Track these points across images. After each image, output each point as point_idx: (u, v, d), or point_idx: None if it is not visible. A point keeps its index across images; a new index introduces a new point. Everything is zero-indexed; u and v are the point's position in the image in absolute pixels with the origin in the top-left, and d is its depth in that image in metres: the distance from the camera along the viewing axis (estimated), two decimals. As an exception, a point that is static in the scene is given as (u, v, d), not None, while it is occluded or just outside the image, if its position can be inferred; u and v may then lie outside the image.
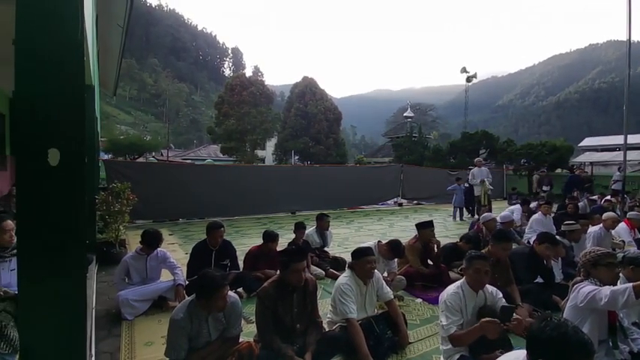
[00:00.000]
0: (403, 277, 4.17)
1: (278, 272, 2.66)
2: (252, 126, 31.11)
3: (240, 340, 2.42)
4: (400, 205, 14.20)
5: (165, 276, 3.89)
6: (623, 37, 10.28)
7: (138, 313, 3.42)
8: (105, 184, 7.95)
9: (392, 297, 3.06)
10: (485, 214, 6.12)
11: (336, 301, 2.77)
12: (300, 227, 4.87)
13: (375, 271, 2.99)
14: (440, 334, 2.58)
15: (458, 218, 10.64)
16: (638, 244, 5.39)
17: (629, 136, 10.72)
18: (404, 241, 4.39)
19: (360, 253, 2.90)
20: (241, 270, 4.22)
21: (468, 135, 24.66)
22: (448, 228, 9.26)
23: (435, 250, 4.70)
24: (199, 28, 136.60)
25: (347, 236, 7.78)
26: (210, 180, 9.96)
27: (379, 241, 4.14)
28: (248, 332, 2.93)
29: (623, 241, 5.66)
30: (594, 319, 2.42)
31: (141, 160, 21.85)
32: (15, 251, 2.65)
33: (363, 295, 2.90)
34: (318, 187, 11.79)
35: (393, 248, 3.98)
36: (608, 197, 9.66)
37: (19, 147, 1.13)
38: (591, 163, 19.70)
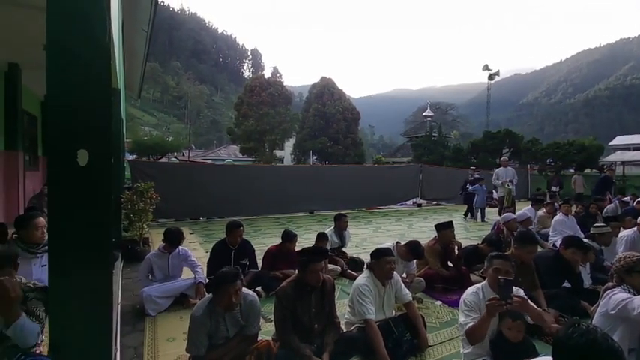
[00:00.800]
0: (422, 279, 4.11)
1: (296, 272, 2.67)
2: (270, 126, 31.47)
3: (259, 338, 2.45)
4: (419, 205, 13.99)
5: (187, 274, 3.98)
6: None
7: (161, 309, 3.52)
8: (130, 184, 8.21)
9: (410, 299, 3.02)
10: (506, 214, 5.97)
11: (355, 302, 2.76)
12: (322, 238, 4.81)
13: (394, 272, 2.95)
14: (460, 337, 2.52)
15: (479, 219, 10.39)
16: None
17: (664, 134, 10.18)
18: (423, 242, 4.32)
19: (380, 254, 2.88)
20: (260, 269, 4.27)
21: (491, 134, 24.04)
22: (469, 229, 9.05)
23: (456, 251, 4.60)
24: (220, 30, 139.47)
25: (365, 237, 7.74)
26: (229, 180, 10.13)
27: (398, 242, 4.09)
28: (266, 331, 2.95)
29: (659, 246, 5.36)
30: (625, 328, 2.31)
31: (163, 160, 22.46)
32: (46, 247, 2.78)
33: (382, 296, 2.87)
34: (336, 187, 11.78)
35: (412, 249, 3.92)
36: (641, 199, 9.16)
37: (51, 148, 1.18)
38: (622, 163, 18.79)
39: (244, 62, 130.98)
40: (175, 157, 28.69)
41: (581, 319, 2.77)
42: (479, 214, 10.51)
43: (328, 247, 4.81)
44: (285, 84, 36.91)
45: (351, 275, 4.55)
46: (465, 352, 2.45)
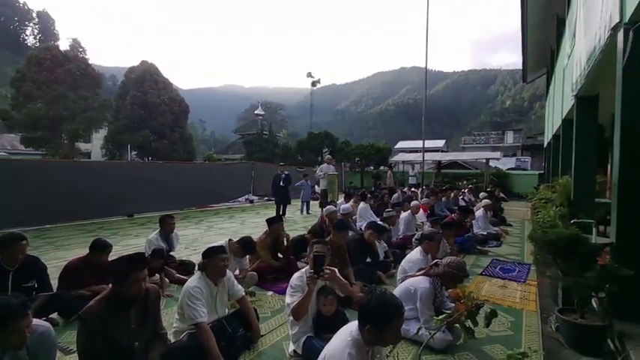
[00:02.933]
0: (255, 273, 4.23)
1: (110, 286, 2.26)
2: (70, 113, 25.25)
3: (55, 377, 1.95)
4: (251, 201, 14.34)
5: None
6: (423, 65, 13.44)
7: None
8: None
9: (243, 294, 3.06)
10: (328, 206, 6.86)
11: (185, 306, 2.58)
12: (156, 255, 4.17)
13: (227, 269, 2.92)
14: (289, 320, 2.74)
15: (305, 212, 11.52)
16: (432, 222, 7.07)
17: (426, 141, 14.10)
18: (255, 237, 4.45)
19: (212, 252, 2.79)
20: (56, 290, 3.40)
21: (314, 135, 27.05)
22: (297, 222, 9.92)
23: (285, 243, 4.96)
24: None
25: (196, 237, 7.33)
26: (3, 180, 7.61)
27: (230, 240, 4.07)
28: (67, 365, 2.39)
29: (423, 222, 7.37)
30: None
31: None
32: None
33: (214, 296, 2.79)
34: (162, 185, 10.68)
35: (245, 245, 3.98)
36: (413, 189, 12.42)
37: None
38: (402, 162, 24.71)
39: (27, 26, 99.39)
40: None
41: (378, 286, 3.46)
42: (304, 207, 11.65)
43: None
44: (91, 62, 30.16)
45: (181, 280, 4.22)
46: (292, 332, 2.69)
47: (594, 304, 3.13)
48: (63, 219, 8.53)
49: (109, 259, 3.57)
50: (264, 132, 34.06)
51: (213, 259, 2.76)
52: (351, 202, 8.55)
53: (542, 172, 16.50)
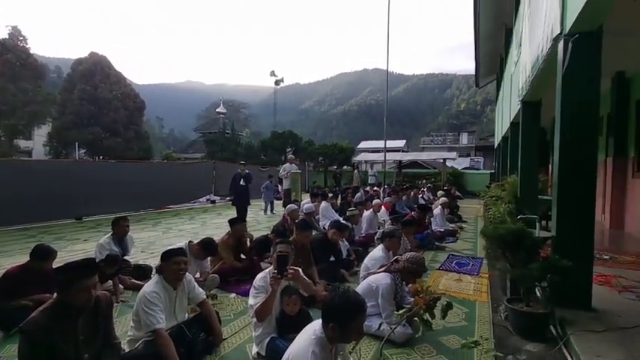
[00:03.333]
0: (216, 276, 4.12)
1: (55, 295, 2.09)
2: (9, 107, 23.07)
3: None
4: (213, 202, 13.95)
5: None
6: (385, 67, 13.85)
7: None
8: None
9: (204, 297, 2.96)
10: (290, 205, 6.84)
11: (140, 313, 2.45)
12: (110, 261, 3.93)
13: (187, 272, 2.81)
14: (252, 322, 2.70)
15: (269, 212, 11.40)
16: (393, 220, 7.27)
17: (387, 141, 14.51)
18: (217, 238, 4.34)
19: (170, 254, 2.68)
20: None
21: (277, 134, 26.88)
22: (260, 222, 9.79)
23: (248, 243, 4.88)
24: None
25: (153, 240, 7.00)
26: None
27: (190, 241, 3.93)
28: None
29: (384, 220, 7.56)
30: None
31: None
32: None
33: (173, 300, 2.68)
34: (115, 186, 10.08)
35: (206, 246, 3.87)
36: (375, 188, 12.74)
37: None
38: (365, 162, 25.27)
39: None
40: None
41: (341, 284, 3.52)
42: (268, 207, 11.52)
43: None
44: (33, 52, 27.64)
45: (136, 285, 4.01)
46: (256, 334, 2.66)
47: (538, 293, 3.39)
48: (1, 223, 7.78)
49: (54, 266, 3.30)
50: (227, 131, 33.28)
51: (171, 262, 2.64)
52: (315, 202, 8.61)
53: (493, 171, 17.59)
